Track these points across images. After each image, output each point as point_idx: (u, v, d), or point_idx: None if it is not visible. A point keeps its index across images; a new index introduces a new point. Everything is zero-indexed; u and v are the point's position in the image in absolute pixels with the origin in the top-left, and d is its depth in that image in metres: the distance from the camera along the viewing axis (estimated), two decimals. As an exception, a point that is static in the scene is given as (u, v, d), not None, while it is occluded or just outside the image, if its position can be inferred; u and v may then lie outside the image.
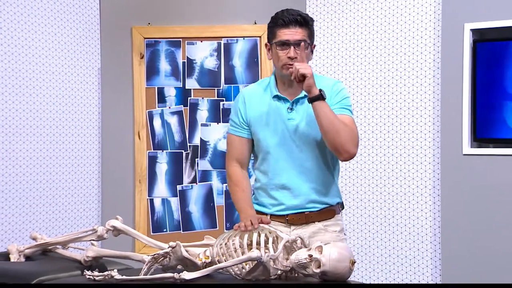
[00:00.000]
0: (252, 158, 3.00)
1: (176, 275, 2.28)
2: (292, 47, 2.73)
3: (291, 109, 2.81)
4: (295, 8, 2.85)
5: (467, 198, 4.08)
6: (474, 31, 4.08)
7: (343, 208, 2.97)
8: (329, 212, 2.87)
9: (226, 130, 4.55)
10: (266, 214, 2.85)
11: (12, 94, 4.15)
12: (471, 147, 4.09)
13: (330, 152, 2.82)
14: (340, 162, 2.92)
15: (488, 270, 3.98)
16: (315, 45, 2.87)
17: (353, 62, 4.54)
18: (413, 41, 4.36)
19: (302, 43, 2.75)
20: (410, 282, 4.34)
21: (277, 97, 2.83)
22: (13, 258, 2.76)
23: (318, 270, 2.25)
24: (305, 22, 2.78)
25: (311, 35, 2.80)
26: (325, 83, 2.81)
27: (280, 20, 2.77)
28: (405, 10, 4.39)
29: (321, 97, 2.64)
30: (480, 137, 4.08)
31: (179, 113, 4.62)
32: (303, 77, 2.63)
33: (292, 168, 2.81)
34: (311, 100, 2.65)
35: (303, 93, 2.76)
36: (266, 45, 2.87)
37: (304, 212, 2.83)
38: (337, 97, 2.78)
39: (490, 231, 4.00)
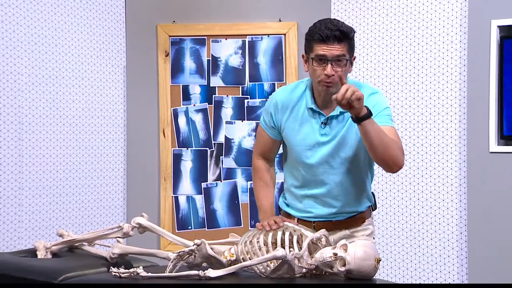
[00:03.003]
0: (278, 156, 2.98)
1: (201, 272, 2.29)
2: (329, 64, 2.55)
3: (325, 124, 2.68)
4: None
5: (494, 196, 4.04)
6: (501, 27, 4.04)
7: (375, 208, 2.87)
8: (358, 219, 2.80)
9: (251, 128, 4.58)
10: (293, 216, 2.80)
11: (39, 92, 4.19)
12: (497, 144, 4.04)
13: (364, 167, 2.74)
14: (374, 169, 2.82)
15: (515, 269, 3.95)
16: (355, 57, 2.67)
17: (378, 60, 4.51)
18: (439, 38, 4.33)
19: (341, 60, 2.57)
20: (436, 282, 4.31)
21: (311, 109, 2.70)
22: (40, 254, 2.78)
23: (343, 269, 2.25)
24: (345, 36, 2.56)
25: (350, 49, 2.60)
26: (362, 91, 2.60)
27: (317, 35, 2.56)
28: (431, 7, 4.35)
29: (370, 115, 2.45)
30: (507, 134, 4.04)
31: (203, 111, 4.63)
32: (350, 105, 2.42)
33: (322, 181, 2.72)
34: (360, 120, 2.44)
35: (338, 109, 2.62)
36: (303, 56, 2.69)
37: (331, 220, 2.76)
38: (375, 108, 2.58)
39: (517, 229, 3.97)
